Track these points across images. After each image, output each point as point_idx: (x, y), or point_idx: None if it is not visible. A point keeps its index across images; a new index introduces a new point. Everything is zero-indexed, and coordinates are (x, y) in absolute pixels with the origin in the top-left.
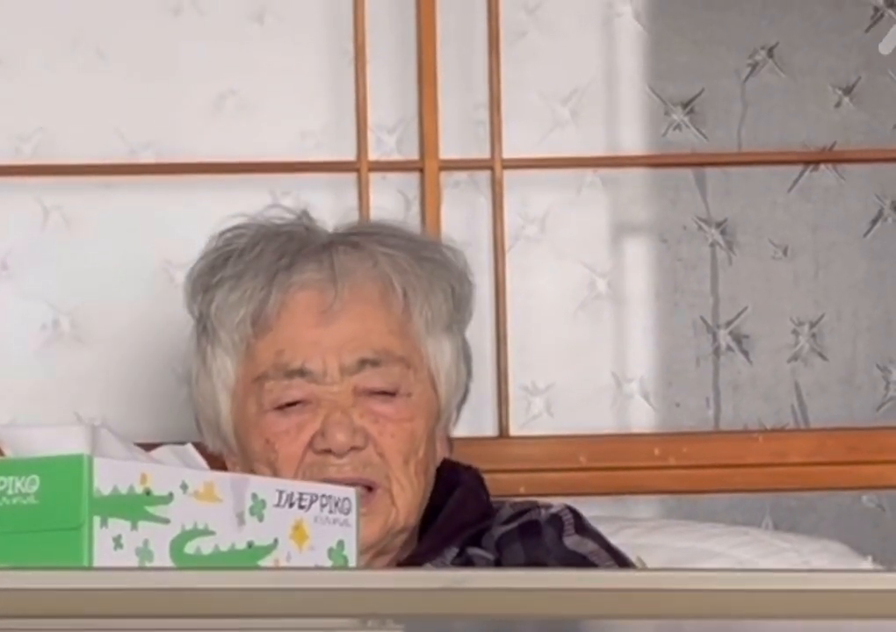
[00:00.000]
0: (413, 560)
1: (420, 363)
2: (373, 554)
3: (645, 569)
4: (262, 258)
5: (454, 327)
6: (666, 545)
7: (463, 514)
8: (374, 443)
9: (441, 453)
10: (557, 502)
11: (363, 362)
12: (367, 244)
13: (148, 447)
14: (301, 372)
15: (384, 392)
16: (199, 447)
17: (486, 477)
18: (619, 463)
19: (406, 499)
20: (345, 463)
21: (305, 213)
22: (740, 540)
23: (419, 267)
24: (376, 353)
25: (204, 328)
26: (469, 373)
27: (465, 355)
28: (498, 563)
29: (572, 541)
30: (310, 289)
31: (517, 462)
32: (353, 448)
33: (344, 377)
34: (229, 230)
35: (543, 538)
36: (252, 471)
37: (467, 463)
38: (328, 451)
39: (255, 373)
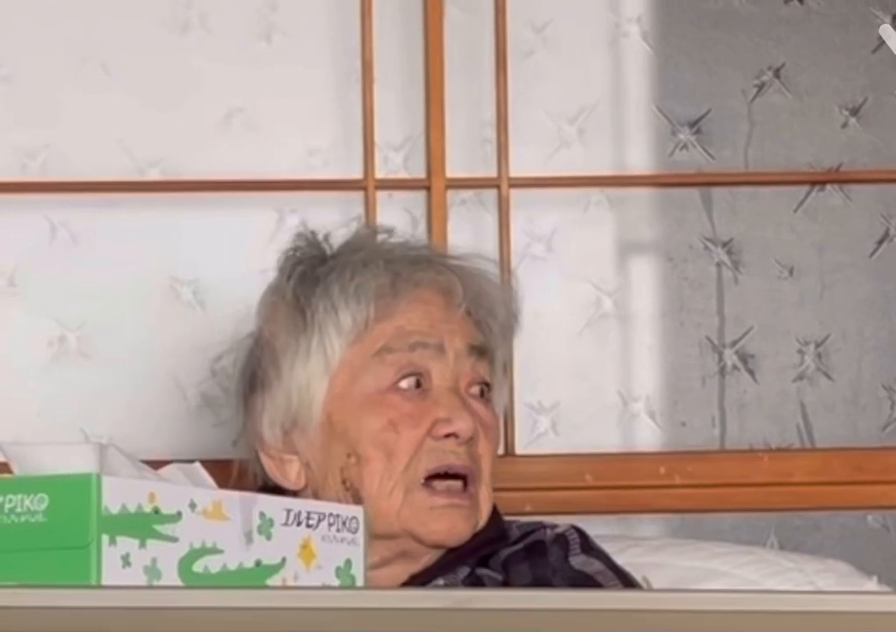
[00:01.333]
0: (426, 574)
1: (497, 393)
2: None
3: (649, 589)
4: (378, 252)
5: (507, 369)
6: (671, 564)
7: (480, 534)
8: (477, 444)
9: None
10: (563, 522)
11: (471, 349)
12: (479, 273)
13: (154, 464)
14: (423, 345)
15: (482, 393)
16: (207, 464)
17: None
18: (625, 481)
19: (487, 505)
20: (464, 451)
21: (389, 229)
22: (745, 559)
23: (506, 311)
24: (482, 344)
25: (308, 314)
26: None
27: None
28: (506, 584)
29: (578, 560)
30: (432, 288)
31: (523, 480)
32: (471, 438)
33: (460, 360)
34: (316, 236)
35: (549, 558)
36: (347, 462)
37: None
38: (449, 436)
39: (374, 348)
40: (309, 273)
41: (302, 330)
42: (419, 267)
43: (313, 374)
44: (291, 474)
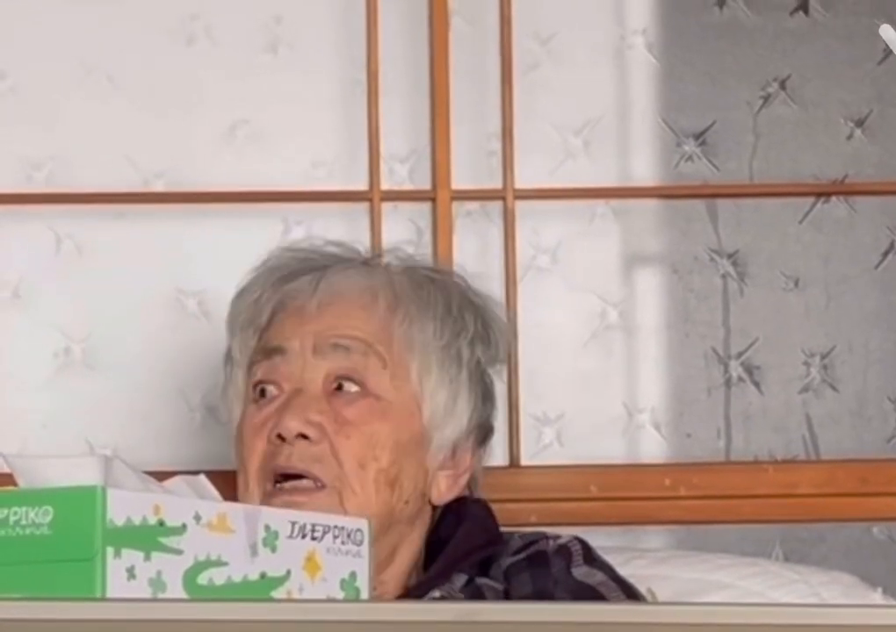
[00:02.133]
0: (421, 587)
1: (402, 374)
2: None
3: (655, 602)
4: (269, 271)
5: (453, 352)
6: (675, 576)
7: (470, 541)
8: (330, 442)
9: (447, 485)
10: (566, 533)
11: (335, 347)
12: (365, 262)
13: (159, 475)
14: (278, 350)
15: (353, 384)
16: (212, 476)
17: (497, 506)
18: (630, 493)
19: (357, 503)
20: (294, 451)
21: (334, 242)
22: (749, 571)
23: (411, 281)
24: (350, 339)
25: (228, 351)
26: (482, 410)
27: (472, 390)
28: (507, 593)
29: (580, 572)
30: (296, 297)
31: (528, 491)
32: (305, 438)
33: (317, 360)
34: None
35: (551, 568)
36: (238, 491)
37: (476, 496)
38: (280, 438)
39: (248, 365)
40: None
41: (224, 362)
42: (290, 277)
43: (232, 402)
44: None
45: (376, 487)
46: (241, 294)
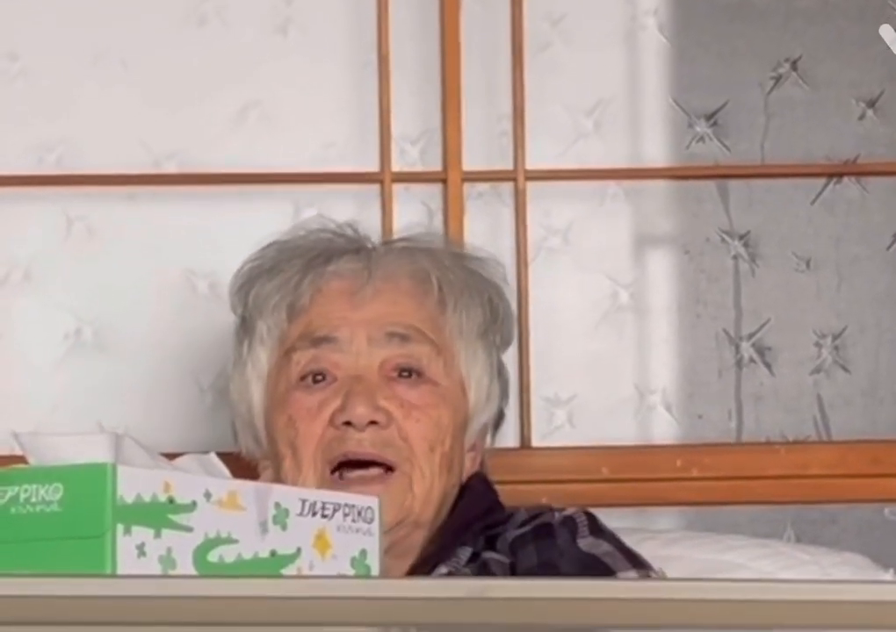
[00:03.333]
0: (426, 561)
1: (451, 361)
2: (387, 549)
3: (666, 578)
4: (300, 251)
5: (490, 338)
6: (687, 557)
7: (469, 511)
8: (398, 426)
9: (470, 467)
10: (572, 506)
11: (391, 336)
12: (408, 246)
13: (170, 457)
14: (327, 339)
15: (410, 372)
16: (222, 456)
17: (508, 487)
18: (641, 474)
19: (425, 487)
20: (365, 437)
21: (349, 224)
22: (761, 552)
23: (459, 267)
24: (406, 328)
25: (243, 322)
26: (503, 395)
27: (500, 375)
28: (513, 566)
29: (586, 542)
30: (345, 278)
31: (539, 473)
32: (374, 424)
33: (372, 350)
34: (271, 242)
35: (556, 540)
36: (276, 461)
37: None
38: (347, 424)
39: (284, 349)
40: (247, 274)
41: (239, 342)
42: (332, 257)
43: (249, 383)
44: (265, 478)
45: (440, 470)
46: (269, 274)
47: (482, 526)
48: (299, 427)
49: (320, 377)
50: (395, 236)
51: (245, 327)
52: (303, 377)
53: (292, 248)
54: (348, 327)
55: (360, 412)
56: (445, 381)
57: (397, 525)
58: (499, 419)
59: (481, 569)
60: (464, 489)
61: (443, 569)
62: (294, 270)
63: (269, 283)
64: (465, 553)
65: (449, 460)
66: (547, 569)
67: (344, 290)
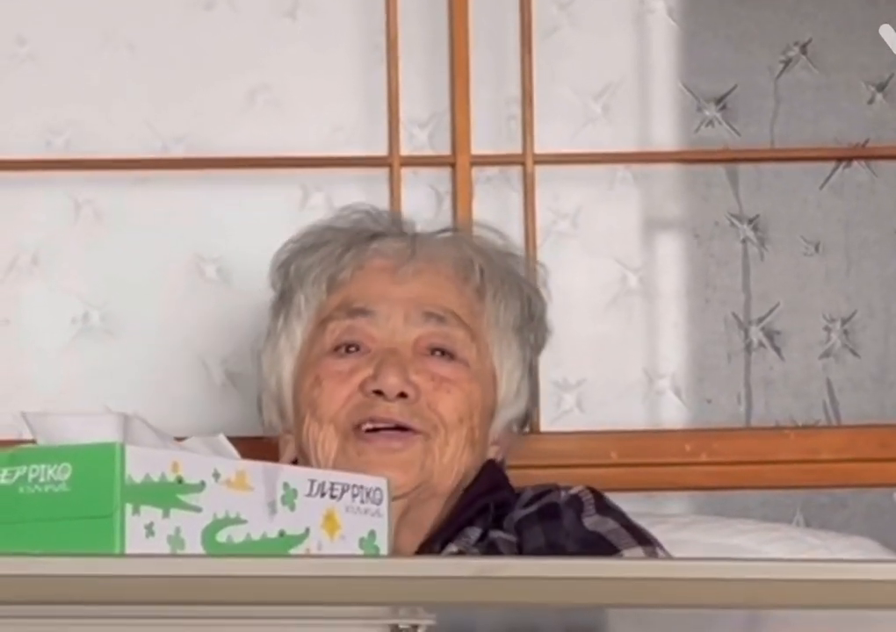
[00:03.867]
0: (434, 540)
1: (484, 349)
2: (401, 516)
3: (674, 558)
4: (344, 230)
5: (525, 335)
6: (696, 541)
7: (476, 489)
8: (427, 400)
9: (493, 453)
10: (578, 484)
11: (428, 316)
12: (454, 236)
13: (177, 440)
14: (364, 312)
15: (444, 352)
16: (231, 440)
17: (517, 472)
18: (650, 459)
19: (448, 453)
20: (393, 406)
21: (393, 214)
22: (770, 536)
23: (502, 260)
24: (443, 311)
25: (280, 296)
26: (532, 396)
27: (531, 374)
28: (519, 546)
29: (591, 521)
30: (388, 256)
31: (548, 457)
32: (403, 396)
33: (408, 327)
34: (313, 224)
35: (562, 520)
36: (298, 425)
37: None
38: (377, 393)
39: (319, 319)
40: (288, 251)
41: (274, 316)
42: (377, 237)
43: (281, 356)
44: (287, 452)
45: (465, 444)
46: (312, 248)
47: (489, 502)
48: (325, 385)
49: (353, 348)
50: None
51: (283, 300)
52: (336, 347)
53: (336, 229)
54: (386, 303)
55: (392, 382)
56: (477, 365)
57: (415, 489)
58: (525, 420)
59: (489, 548)
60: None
61: (453, 548)
62: (337, 244)
63: (311, 256)
64: (474, 533)
65: (475, 437)
66: (554, 550)
67: (386, 267)
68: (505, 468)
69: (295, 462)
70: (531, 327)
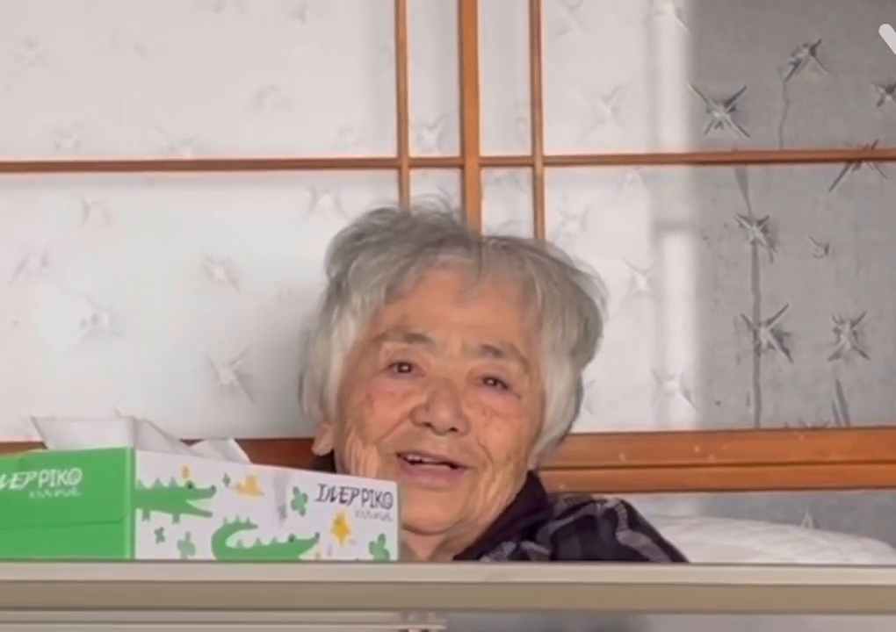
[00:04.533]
0: (469, 553)
1: (536, 376)
2: (439, 546)
3: (689, 563)
4: (413, 231)
5: (578, 357)
6: (706, 543)
7: (517, 509)
8: (477, 434)
9: (533, 466)
10: (611, 497)
11: (486, 349)
12: (519, 249)
13: (187, 443)
14: (422, 338)
15: (496, 382)
16: (240, 442)
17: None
18: (659, 460)
19: (492, 492)
20: (443, 440)
21: (459, 210)
22: (780, 538)
23: (564, 282)
24: (501, 344)
25: (337, 288)
26: (577, 411)
27: (578, 392)
28: (553, 558)
29: (624, 536)
30: (453, 271)
31: (557, 459)
32: (453, 430)
33: (464, 357)
34: (383, 207)
35: (599, 533)
36: (341, 435)
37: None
38: (427, 425)
39: (375, 334)
40: (349, 246)
41: (329, 306)
42: (444, 246)
43: (331, 350)
44: (322, 441)
45: (511, 479)
46: (376, 248)
47: (527, 523)
48: (376, 406)
49: (406, 368)
50: (500, 233)
51: (339, 293)
52: (390, 365)
53: (403, 229)
54: (444, 329)
55: (443, 416)
56: (528, 396)
57: (457, 524)
58: (566, 432)
59: (521, 560)
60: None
61: (486, 560)
62: (403, 253)
63: (374, 259)
64: (508, 547)
65: (520, 470)
66: (588, 561)
67: (449, 284)
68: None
69: (331, 454)
70: (586, 347)
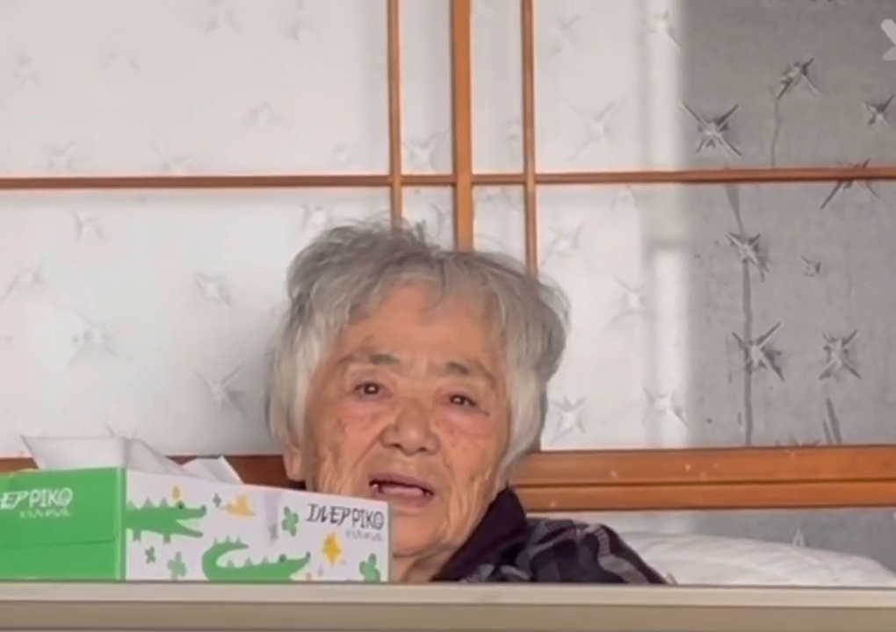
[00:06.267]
0: (446, 576)
1: (502, 391)
2: (412, 565)
3: (674, 585)
4: (374, 250)
5: (542, 370)
6: (697, 561)
7: (496, 530)
8: (444, 453)
9: (499, 487)
10: (592, 522)
11: (452, 366)
12: (480, 265)
13: (180, 460)
14: (388, 359)
15: (463, 401)
16: (232, 460)
17: (516, 492)
18: (650, 478)
19: (460, 515)
20: (412, 461)
21: (420, 226)
22: (771, 556)
23: (527, 296)
24: (468, 361)
25: (299, 310)
26: (542, 424)
27: (542, 405)
28: (532, 582)
29: (607, 561)
30: (416, 288)
31: (548, 476)
32: (422, 450)
33: (430, 376)
34: (343, 227)
35: (578, 558)
36: (314, 461)
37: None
38: (397, 446)
39: (340, 356)
40: (310, 266)
41: (293, 327)
42: (406, 264)
43: (296, 371)
44: (295, 466)
45: (477, 499)
46: (338, 268)
47: (507, 546)
48: (348, 433)
49: (373, 389)
50: (461, 250)
51: (302, 314)
52: (357, 387)
53: (364, 248)
54: (410, 350)
55: (412, 437)
56: (495, 412)
57: (427, 548)
58: (533, 446)
59: (500, 583)
60: (492, 505)
61: (463, 583)
62: (366, 272)
63: (336, 279)
64: (486, 570)
65: (486, 489)
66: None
67: (412, 302)
68: (512, 488)
69: (303, 482)
70: (549, 360)
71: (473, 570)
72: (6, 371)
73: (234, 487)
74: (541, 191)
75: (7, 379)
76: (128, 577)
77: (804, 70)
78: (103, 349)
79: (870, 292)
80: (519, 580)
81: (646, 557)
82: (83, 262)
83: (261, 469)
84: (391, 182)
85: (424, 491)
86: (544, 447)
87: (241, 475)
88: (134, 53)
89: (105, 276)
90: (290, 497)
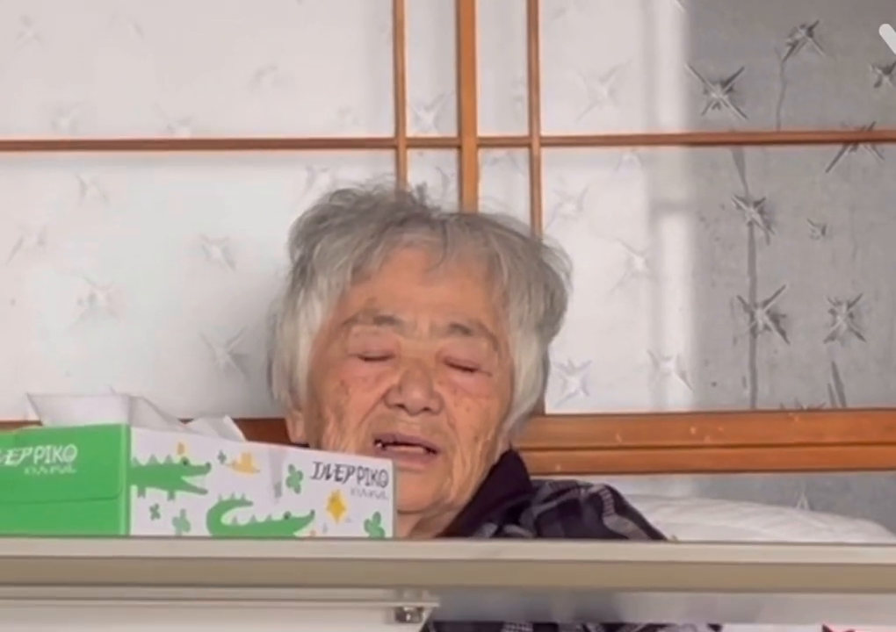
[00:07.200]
0: (450, 535)
1: (505, 352)
2: (416, 526)
3: (678, 541)
4: (375, 211)
5: (545, 331)
6: (701, 524)
7: (500, 490)
8: (448, 413)
9: (502, 447)
10: (597, 482)
11: (454, 327)
12: (482, 226)
13: (183, 421)
14: (391, 321)
15: (466, 366)
16: (236, 421)
17: (521, 455)
18: (655, 441)
19: (464, 474)
20: (416, 421)
21: (421, 187)
22: (774, 519)
23: (529, 257)
24: (469, 322)
25: (301, 272)
26: (545, 385)
27: (545, 366)
28: None
29: (611, 521)
30: (418, 249)
31: (553, 440)
32: (426, 410)
33: (433, 337)
34: (344, 189)
35: (582, 517)
36: (317, 422)
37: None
38: (400, 406)
39: (343, 317)
40: (312, 229)
41: (294, 289)
42: (408, 225)
43: (298, 334)
44: (298, 430)
45: (480, 459)
46: (339, 230)
47: (510, 505)
48: (352, 393)
49: (377, 352)
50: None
51: (304, 277)
52: (361, 349)
53: (365, 209)
54: (413, 311)
55: (416, 397)
56: (498, 372)
57: (431, 506)
58: (536, 408)
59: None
60: (495, 467)
61: None
62: (367, 234)
63: (338, 240)
64: (490, 529)
65: (489, 449)
66: None
67: (414, 263)
68: (514, 441)
69: (306, 445)
70: (552, 321)
71: (476, 529)
72: (10, 334)
73: (238, 444)
74: (546, 154)
75: (11, 342)
76: (132, 533)
77: (809, 32)
78: (106, 312)
79: (875, 256)
80: (522, 539)
81: (652, 520)
82: (86, 224)
83: (264, 431)
84: (396, 144)
85: (428, 450)
86: (548, 410)
87: (245, 437)
88: (139, 15)
89: (109, 238)
90: (295, 454)
